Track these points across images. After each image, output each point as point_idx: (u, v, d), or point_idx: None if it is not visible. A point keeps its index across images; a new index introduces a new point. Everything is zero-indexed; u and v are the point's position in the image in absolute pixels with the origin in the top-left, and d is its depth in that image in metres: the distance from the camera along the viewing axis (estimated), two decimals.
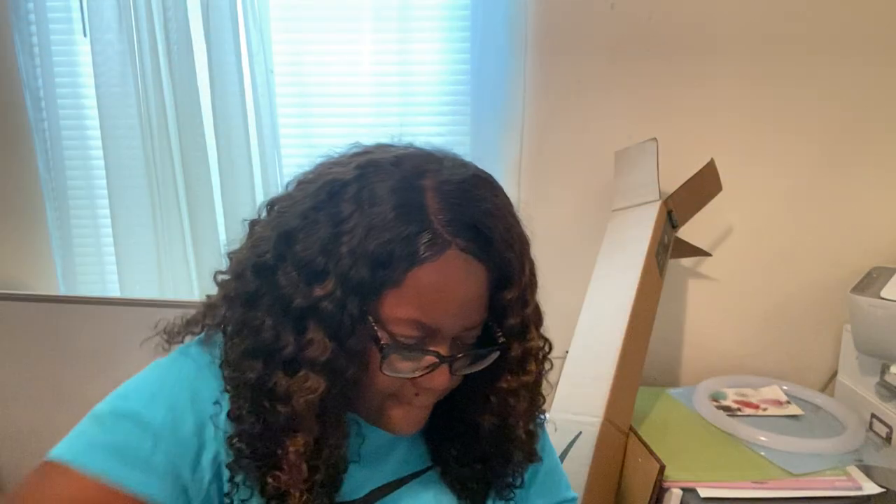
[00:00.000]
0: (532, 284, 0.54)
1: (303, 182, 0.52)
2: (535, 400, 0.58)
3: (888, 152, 1.37)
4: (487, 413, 0.56)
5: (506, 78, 1.34)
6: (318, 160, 0.54)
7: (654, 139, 1.20)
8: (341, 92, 1.39)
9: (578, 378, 1.13)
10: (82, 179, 1.42)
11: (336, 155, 0.54)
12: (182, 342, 0.57)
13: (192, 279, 1.42)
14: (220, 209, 1.39)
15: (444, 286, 0.47)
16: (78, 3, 1.30)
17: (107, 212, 1.39)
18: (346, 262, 0.46)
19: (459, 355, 0.51)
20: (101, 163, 1.36)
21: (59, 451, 0.46)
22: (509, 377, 0.55)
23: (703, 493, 0.97)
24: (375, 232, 0.46)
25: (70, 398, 1.36)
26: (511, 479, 0.62)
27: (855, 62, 1.33)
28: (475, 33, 1.34)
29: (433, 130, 1.42)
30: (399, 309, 0.48)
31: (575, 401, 1.10)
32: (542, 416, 0.64)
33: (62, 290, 1.44)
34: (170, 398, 0.50)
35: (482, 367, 0.53)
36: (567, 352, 1.19)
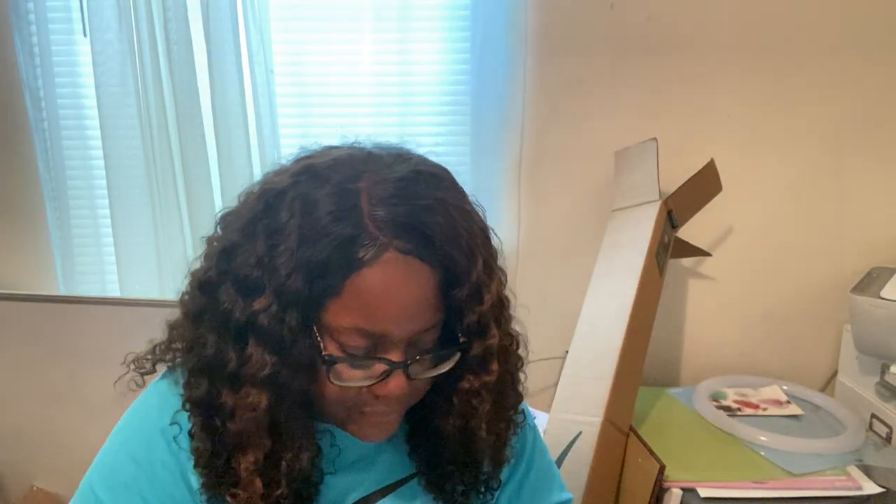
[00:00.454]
0: (488, 280, 0.51)
1: (248, 194, 0.51)
2: (501, 401, 0.56)
3: (888, 152, 1.37)
4: (450, 415, 0.54)
5: (506, 78, 1.34)
6: (267, 171, 0.53)
7: (654, 139, 1.20)
8: (341, 92, 1.39)
9: (578, 378, 1.13)
10: (82, 179, 1.42)
11: (281, 163, 0.52)
12: (154, 370, 0.57)
13: None
14: (219, 209, 1.38)
15: (385, 291, 0.45)
16: (78, 3, 1.30)
17: (107, 212, 1.39)
18: (281, 274, 0.45)
19: (417, 358, 0.49)
20: (101, 163, 1.35)
21: None
22: (471, 377, 0.52)
23: (703, 493, 0.97)
24: (309, 241, 0.45)
25: (70, 398, 1.36)
26: (486, 482, 0.60)
27: (855, 62, 1.33)
28: (475, 33, 1.34)
29: (433, 130, 1.42)
30: (342, 318, 0.46)
31: (575, 401, 1.10)
32: (522, 416, 0.61)
33: (62, 290, 1.44)
34: (141, 478, 0.50)
35: (444, 369, 0.51)
36: (567, 352, 1.19)
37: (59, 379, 1.35)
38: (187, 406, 0.50)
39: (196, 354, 0.49)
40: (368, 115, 1.39)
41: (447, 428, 0.54)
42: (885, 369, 1.17)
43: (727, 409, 1.22)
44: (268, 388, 0.47)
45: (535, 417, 0.73)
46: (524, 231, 1.41)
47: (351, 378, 0.48)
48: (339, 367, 0.48)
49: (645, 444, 1.04)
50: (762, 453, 1.06)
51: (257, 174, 1.36)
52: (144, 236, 1.38)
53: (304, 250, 0.45)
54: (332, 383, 0.48)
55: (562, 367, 1.18)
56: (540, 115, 1.36)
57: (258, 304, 0.46)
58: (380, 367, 0.48)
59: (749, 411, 1.21)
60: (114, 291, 1.44)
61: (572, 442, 1.06)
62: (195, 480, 0.51)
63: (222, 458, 0.49)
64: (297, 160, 0.51)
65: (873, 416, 1.19)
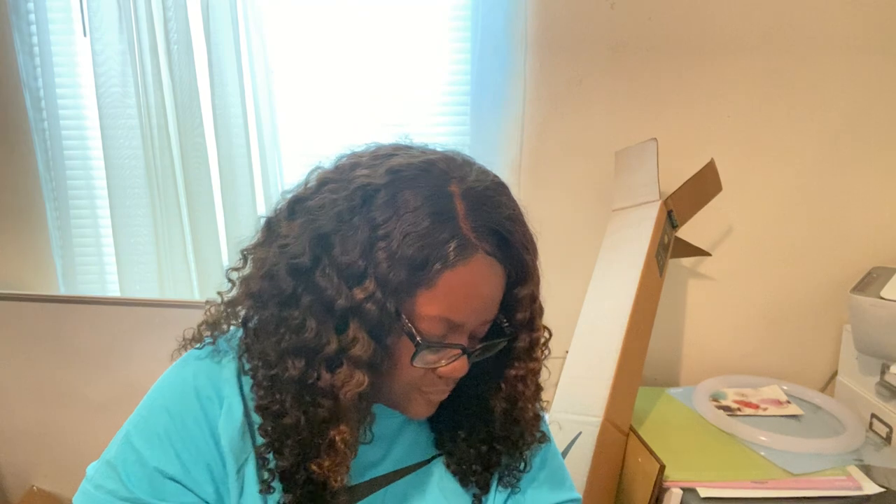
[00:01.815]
0: (539, 282, 0.59)
1: (329, 182, 0.54)
2: (538, 385, 0.63)
3: (888, 152, 1.37)
4: (499, 398, 0.61)
5: (506, 78, 1.34)
6: (339, 157, 0.57)
7: (654, 139, 1.20)
8: (341, 92, 1.39)
9: (578, 378, 1.13)
10: (82, 179, 1.42)
11: (358, 153, 0.57)
12: (213, 342, 0.60)
13: (192, 279, 1.41)
14: (220, 209, 1.39)
15: (471, 287, 0.52)
16: (78, 3, 1.30)
17: (107, 212, 1.39)
18: (384, 265, 0.49)
19: (478, 347, 0.56)
20: (101, 163, 1.36)
21: (83, 501, 0.53)
22: (518, 364, 0.59)
23: (703, 493, 0.97)
24: (411, 238, 0.49)
25: (70, 398, 1.36)
26: (517, 463, 0.65)
27: (855, 62, 1.33)
28: (475, 33, 1.34)
29: (433, 130, 1.42)
30: (430, 307, 0.51)
31: (575, 401, 1.10)
32: (542, 406, 0.67)
33: (62, 290, 1.44)
34: (174, 429, 0.54)
35: (491, 354, 0.58)
36: (567, 352, 1.19)
37: (59, 379, 1.36)
38: (268, 382, 0.53)
39: (289, 335, 0.51)
40: (368, 115, 1.39)
41: (496, 409, 0.61)
42: (885, 369, 1.17)
43: (727, 409, 1.22)
44: (367, 368, 0.51)
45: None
46: None
47: (428, 361, 0.54)
48: (423, 350, 0.53)
49: (645, 444, 1.04)
50: (762, 453, 1.06)
51: (257, 174, 1.38)
52: (144, 236, 1.38)
53: (405, 245, 0.49)
54: (413, 365, 0.53)
55: (562, 367, 1.19)
56: (540, 114, 1.36)
57: (362, 292, 0.50)
58: (452, 352, 0.54)
59: (749, 411, 1.21)
60: (114, 291, 1.45)
61: (572, 442, 1.06)
62: (224, 441, 0.55)
63: (311, 431, 0.52)
64: (380, 155, 0.55)
65: (873, 416, 1.19)
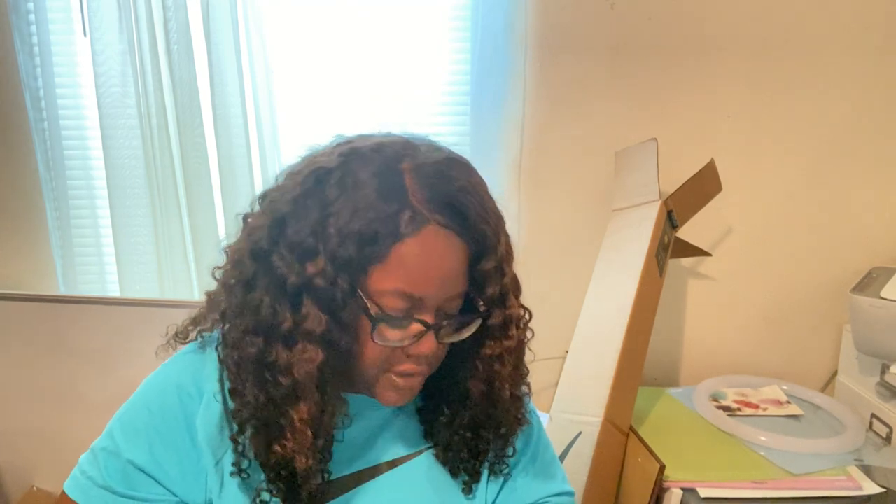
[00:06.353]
0: (509, 256, 0.57)
1: (291, 173, 0.56)
2: (518, 366, 0.61)
3: (888, 152, 1.37)
4: (475, 379, 0.59)
5: (506, 78, 1.34)
6: (304, 153, 0.58)
7: (654, 139, 1.20)
8: (341, 92, 1.39)
9: (578, 378, 1.13)
10: (82, 179, 1.42)
11: (320, 147, 0.58)
12: (196, 339, 0.62)
13: (192, 279, 1.42)
14: (220, 209, 1.39)
15: (425, 259, 0.51)
16: (78, 3, 1.30)
17: (107, 212, 1.39)
18: (334, 241, 0.50)
19: (445, 323, 0.55)
20: (101, 163, 1.35)
21: (71, 485, 0.56)
22: (492, 343, 0.58)
23: (703, 493, 0.97)
24: (360, 213, 0.50)
25: (70, 398, 1.36)
26: (503, 448, 0.64)
27: (854, 62, 1.33)
28: (475, 33, 1.34)
29: (433, 130, 1.41)
30: (385, 282, 0.51)
31: (575, 401, 1.10)
32: (527, 390, 0.65)
33: (62, 290, 1.44)
34: (151, 425, 0.56)
35: (467, 334, 0.56)
36: (567, 352, 1.19)
37: (59, 379, 1.36)
38: (234, 365, 0.55)
39: (250, 316, 0.53)
40: (368, 114, 1.39)
41: (473, 391, 0.59)
42: (885, 369, 1.17)
43: (727, 409, 1.22)
44: (321, 344, 0.51)
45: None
46: (524, 231, 1.41)
47: (391, 338, 0.53)
48: (382, 326, 0.53)
49: (645, 444, 1.04)
50: (762, 453, 1.06)
51: (257, 174, 1.38)
52: (144, 236, 1.38)
53: (354, 221, 0.50)
54: (374, 342, 0.53)
55: (562, 367, 1.19)
56: (540, 114, 1.36)
57: (313, 268, 0.51)
58: (416, 328, 0.53)
59: (749, 411, 1.21)
60: (114, 291, 1.45)
61: (572, 442, 1.06)
62: (201, 435, 0.56)
63: (273, 411, 0.52)
64: (340, 143, 0.56)
65: (873, 416, 1.19)
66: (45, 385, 1.36)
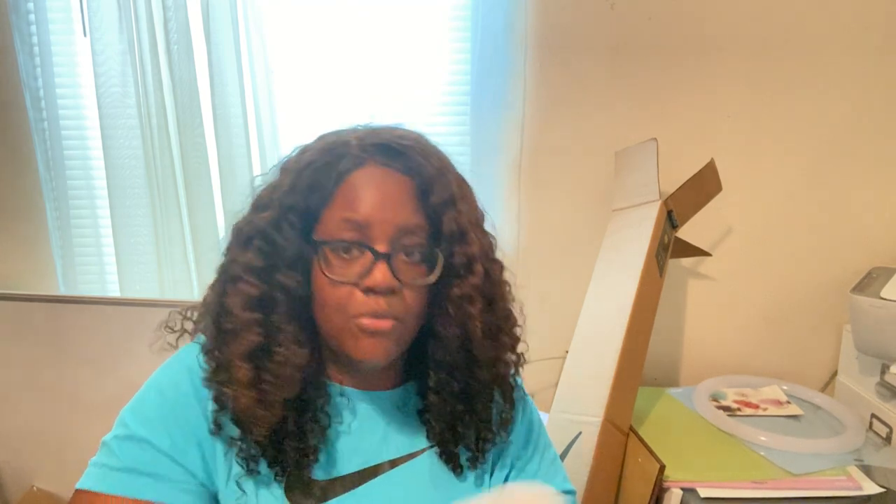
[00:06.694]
0: (463, 194, 0.59)
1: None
2: (493, 306, 0.60)
3: (888, 152, 1.37)
4: (449, 324, 0.59)
5: (506, 77, 1.34)
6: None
7: (654, 139, 1.20)
8: (341, 92, 1.39)
9: (578, 378, 1.13)
10: (82, 179, 1.42)
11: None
12: (190, 331, 0.65)
13: (192, 279, 1.42)
14: (220, 209, 1.39)
15: (365, 184, 0.56)
16: (78, 3, 1.30)
17: (107, 212, 1.39)
18: (283, 191, 0.57)
19: (400, 255, 0.56)
20: (101, 163, 1.35)
21: (84, 481, 0.55)
22: (459, 282, 0.59)
23: (703, 493, 0.97)
24: (307, 168, 0.57)
25: (70, 398, 1.36)
26: (489, 410, 0.63)
27: (854, 62, 1.33)
28: (475, 33, 1.34)
29: (433, 130, 1.41)
30: (333, 219, 0.56)
31: (575, 401, 1.10)
32: (515, 358, 0.64)
33: (62, 290, 1.44)
34: (166, 408, 0.57)
35: (432, 279, 0.58)
36: (567, 352, 1.19)
37: (59, 379, 1.36)
38: (201, 316, 0.61)
39: (219, 272, 0.59)
40: (368, 114, 1.39)
41: (448, 336, 0.59)
42: (885, 369, 1.17)
43: (727, 409, 1.22)
44: (259, 277, 0.56)
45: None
46: (524, 231, 1.41)
47: (343, 274, 0.55)
48: (331, 257, 0.56)
49: (645, 444, 1.04)
50: (762, 453, 1.06)
51: (257, 174, 1.37)
52: (144, 236, 1.38)
53: (302, 175, 0.57)
54: (326, 276, 0.55)
55: (562, 367, 1.18)
56: (540, 114, 1.36)
57: (263, 216, 0.57)
58: (367, 258, 0.55)
59: (749, 411, 1.21)
60: (114, 291, 1.45)
61: (572, 442, 1.06)
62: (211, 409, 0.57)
63: (221, 355, 0.56)
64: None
65: (873, 416, 1.19)
66: (46, 385, 1.36)
